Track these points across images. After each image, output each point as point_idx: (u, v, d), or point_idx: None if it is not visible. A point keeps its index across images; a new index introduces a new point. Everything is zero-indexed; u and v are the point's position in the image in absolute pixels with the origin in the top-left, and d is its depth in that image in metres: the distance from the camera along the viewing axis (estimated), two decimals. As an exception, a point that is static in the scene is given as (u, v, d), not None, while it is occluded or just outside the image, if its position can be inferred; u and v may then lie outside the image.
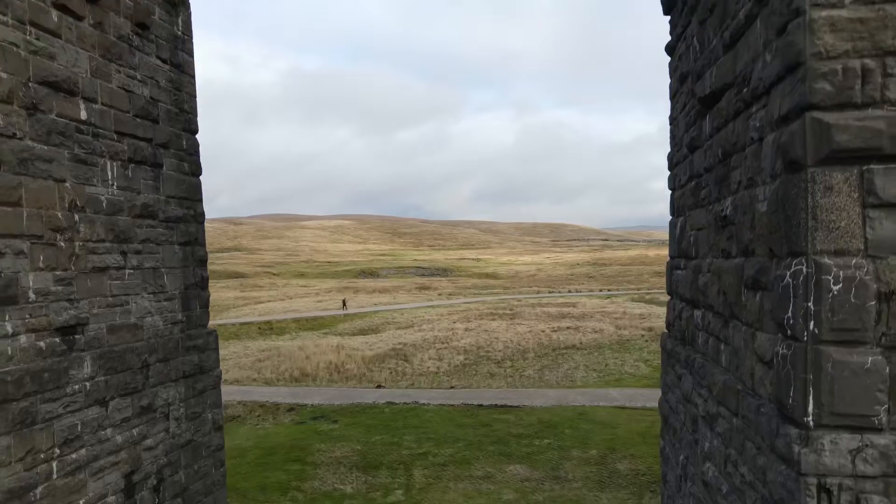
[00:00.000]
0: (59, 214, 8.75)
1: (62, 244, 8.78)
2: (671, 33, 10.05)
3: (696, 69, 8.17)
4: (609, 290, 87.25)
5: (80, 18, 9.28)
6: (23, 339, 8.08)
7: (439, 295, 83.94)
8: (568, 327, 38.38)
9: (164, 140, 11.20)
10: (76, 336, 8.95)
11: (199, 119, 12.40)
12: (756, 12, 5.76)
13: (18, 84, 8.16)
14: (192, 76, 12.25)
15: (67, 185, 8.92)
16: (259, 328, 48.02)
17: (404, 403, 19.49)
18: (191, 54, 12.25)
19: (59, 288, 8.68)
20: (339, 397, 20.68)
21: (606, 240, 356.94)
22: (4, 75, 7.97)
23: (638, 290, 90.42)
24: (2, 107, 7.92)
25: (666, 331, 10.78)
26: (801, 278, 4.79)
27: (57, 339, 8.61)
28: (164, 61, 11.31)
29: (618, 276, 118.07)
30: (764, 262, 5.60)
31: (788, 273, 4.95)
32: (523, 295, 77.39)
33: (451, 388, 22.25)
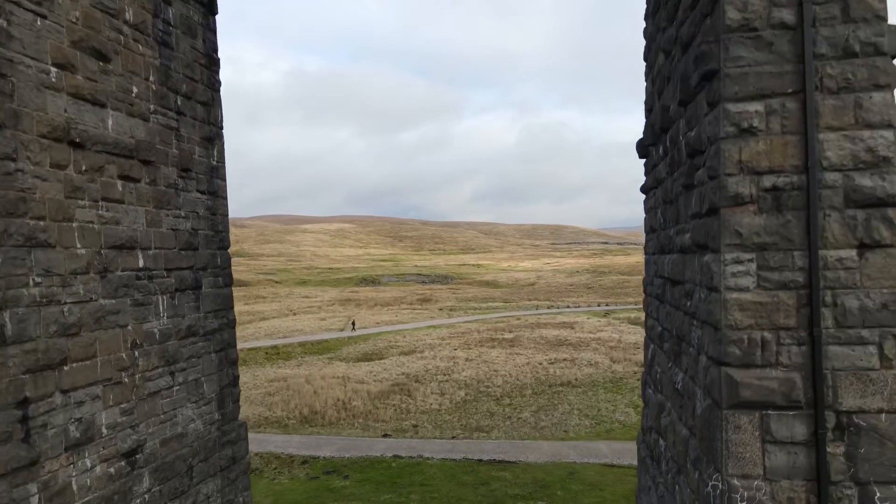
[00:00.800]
0: (124, 355, 10.37)
1: (126, 380, 10.40)
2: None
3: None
4: (607, 305, 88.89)
5: (137, 181, 10.91)
6: (98, 469, 9.69)
7: (440, 309, 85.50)
8: (564, 359, 40.00)
9: (203, 264, 12.82)
10: (137, 456, 10.57)
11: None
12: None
13: (93, 255, 9.79)
14: (225, 197, 13.87)
15: (129, 328, 10.54)
16: (266, 353, 49.62)
17: (409, 457, 21.09)
18: (224, 178, 13.87)
19: (124, 419, 10.30)
20: (349, 448, 22.29)
21: (606, 243, 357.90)
22: (83, 251, 9.60)
23: (636, 303, 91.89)
24: (81, 277, 9.54)
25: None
26: (718, 491, 6.40)
27: (122, 463, 10.23)
28: (202, 193, 12.93)
29: (616, 286, 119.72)
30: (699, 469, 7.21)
31: (710, 484, 6.57)
32: (522, 312, 78.97)
33: (453, 438, 23.87)
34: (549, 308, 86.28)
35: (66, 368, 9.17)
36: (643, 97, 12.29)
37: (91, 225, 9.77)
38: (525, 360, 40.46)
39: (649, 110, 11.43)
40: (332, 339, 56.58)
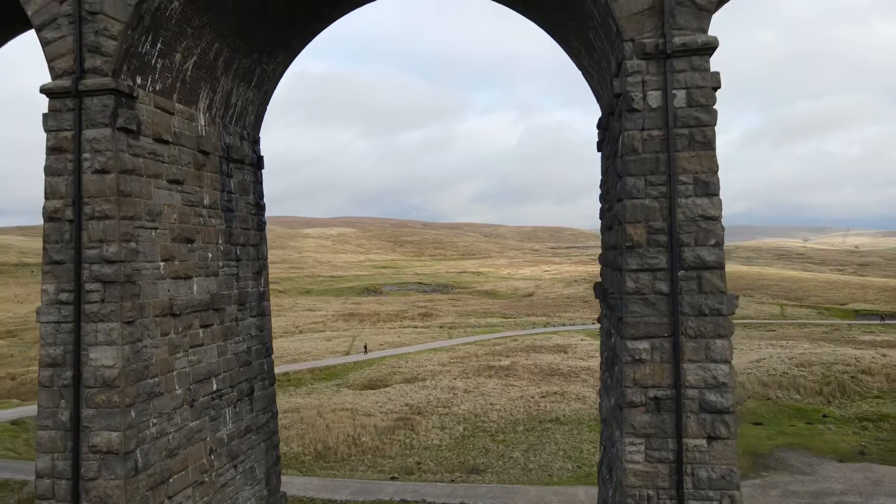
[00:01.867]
0: (205, 461, 13.89)
1: (206, 479, 13.92)
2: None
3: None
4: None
5: (211, 325, 14.44)
6: (190, 550, 13.21)
7: (440, 327, 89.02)
8: (555, 392, 43.55)
9: (255, 374, 16.35)
10: (214, 535, 14.10)
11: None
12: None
13: (185, 391, 13.31)
14: (269, 315, 17.38)
15: (208, 439, 14.07)
16: (279, 380, 53.14)
17: (415, 501, 24.56)
18: (268, 298, 17.39)
19: (206, 509, 13.83)
20: (361, 491, 25.76)
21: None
22: (179, 391, 13.12)
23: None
24: (178, 411, 13.06)
25: None
26: None
27: (205, 542, 13.75)
28: (254, 317, 16.45)
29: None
30: None
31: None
32: (519, 332, 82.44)
33: (452, 481, 27.42)
34: (545, 326, 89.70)
35: (170, 480, 12.70)
36: None
37: (184, 370, 13.30)
38: (519, 394, 43.97)
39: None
40: (339, 364, 60.10)
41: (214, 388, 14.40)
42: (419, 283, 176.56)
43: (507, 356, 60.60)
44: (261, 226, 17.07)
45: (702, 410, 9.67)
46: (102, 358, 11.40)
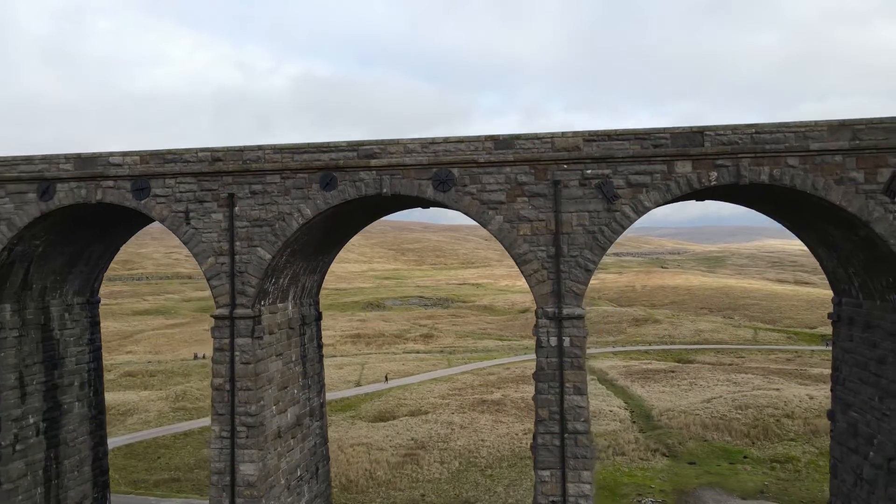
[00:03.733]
0: None
1: None
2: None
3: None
4: (588, 347, 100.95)
5: (296, 436, 23.17)
6: None
7: (441, 352, 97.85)
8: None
9: (319, 459, 25.12)
10: (300, 566, 22.86)
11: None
12: None
13: (287, 481, 22.04)
14: (325, 416, 26.13)
15: None
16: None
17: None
18: (325, 404, 26.14)
19: (296, 550, 22.57)
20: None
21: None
22: (283, 481, 21.86)
23: (613, 346, 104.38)
24: (284, 494, 21.80)
25: None
26: None
27: (296, 571, 22.51)
28: (317, 420, 25.16)
29: (601, 321, 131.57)
30: None
31: None
32: (512, 358, 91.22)
33: (449, 512, 36.19)
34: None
35: None
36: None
37: (285, 468, 22.03)
38: (506, 430, 52.69)
39: None
40: (352, 395, 68.89)
41: (298, 474, 23.13)
42: (421, 297, 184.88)
43: (498, 387, 69.30)
44: (321, 358, 25.81)
45: None
46: (247, 470, 20.17)
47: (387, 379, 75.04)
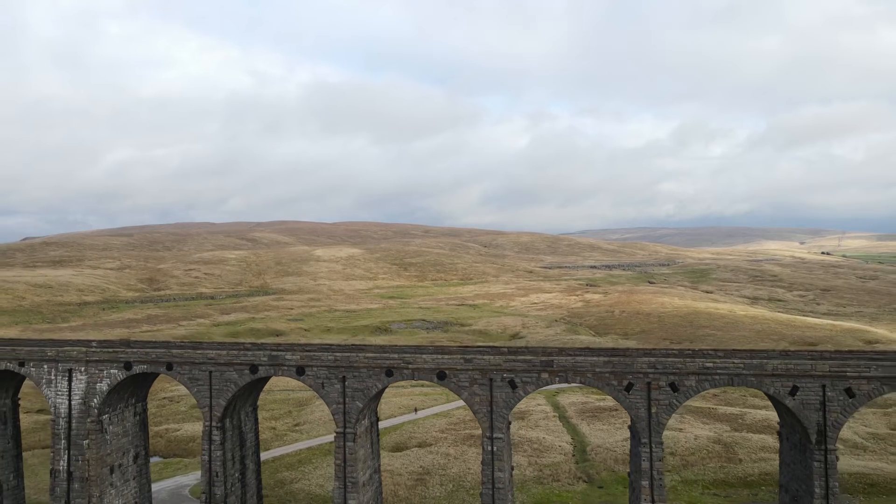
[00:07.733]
0: None
1: None
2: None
3: None
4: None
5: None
6: None
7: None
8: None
9: (378, 494, 48.99)
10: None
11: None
12: None
13: None
14: (380, 471, 49.96)
15: None
16: (321, 451, 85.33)
17: (428, 530, 56.47)
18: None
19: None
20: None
21: (594, 266, 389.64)
22: (364, 508, 45.65)
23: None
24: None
25: None
26: None
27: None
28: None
29: (589, 344, 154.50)
30: None
31: None
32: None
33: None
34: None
35: None
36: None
37: None
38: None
39: None
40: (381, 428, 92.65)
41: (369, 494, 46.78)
42: (423, 320, 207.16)
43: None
44: (378, 440, 49.46)
45: None
46: (351, 500, 43.94)
47: (416, 411, 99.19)
